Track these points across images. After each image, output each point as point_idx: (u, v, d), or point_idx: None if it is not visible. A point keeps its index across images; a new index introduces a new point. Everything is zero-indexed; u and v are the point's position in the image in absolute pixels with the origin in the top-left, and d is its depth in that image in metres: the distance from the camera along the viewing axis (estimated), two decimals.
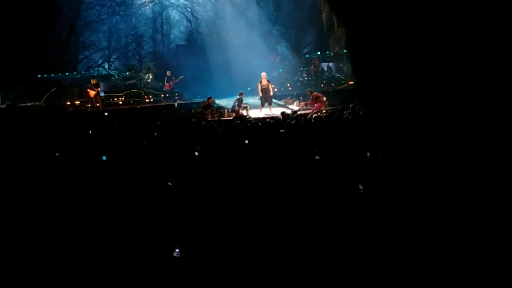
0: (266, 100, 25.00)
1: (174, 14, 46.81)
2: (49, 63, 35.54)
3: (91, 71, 39.67)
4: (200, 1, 42.60)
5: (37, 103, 30.55)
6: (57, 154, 12.63)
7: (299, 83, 34.33)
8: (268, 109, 25.07)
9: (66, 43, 41.86)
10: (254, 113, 24.04)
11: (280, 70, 35.60)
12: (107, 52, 45.02)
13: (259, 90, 25.15)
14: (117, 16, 44.60)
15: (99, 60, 44.97)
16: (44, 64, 34.65)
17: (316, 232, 6.50)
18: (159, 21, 46.61)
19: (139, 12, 45.61)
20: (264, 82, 25.06)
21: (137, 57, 45.40)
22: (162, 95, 33.82)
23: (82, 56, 44.23)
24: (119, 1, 44.81)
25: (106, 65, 43.69)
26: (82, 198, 8.32)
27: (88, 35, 43.78)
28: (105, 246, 6.57)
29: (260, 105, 25.07)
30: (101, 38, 44.61)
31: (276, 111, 24.02)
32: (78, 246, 6.58)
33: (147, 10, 46.15)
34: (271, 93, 25.35)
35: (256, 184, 8.60)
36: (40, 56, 34.16)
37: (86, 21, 43.07)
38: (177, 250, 6.22)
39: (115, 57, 45.40)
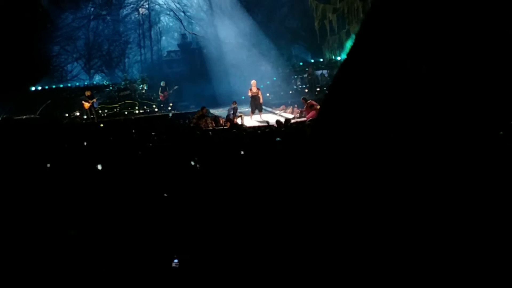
0: (256, 107, 25.69)
1: (166, 19, 45.68)
2: (37, 74, 34.68)
3: (85, 82, 38.65)
4: (194, 4, 41.79)
5: (32, 115, 30.35)
6: (48, 165, 12.59)
7: (291, 91, 34.41)
8: (258, 116, 25.66)
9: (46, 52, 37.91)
10: (248, 121, 24.19)
11: (274, 79, 35.70)
12: (84, 61, 41.43)
13: (249, 96, 25.85)
14: (100, 21, 41.36)
15: (74, 69, 40.73)
16: (33, 75, 33.99)
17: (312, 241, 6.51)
18: (146, 26, 44.50)
19: (126, 19, 43.50)
20: (254, 89, 25.70)
21: (122, 66, 43.01)
22: (155, 106, 33.81)
23: (56, 66, 39.55)
24: (101, 2, 41.22)
25: (86, 76, 41.14)
26: (76, 209, 8.30)
27: (63, 42, 39.24)
28: (100, 257, 6.55)
29: (250, 112, 25.38)
30: (79, 46, 40.65)
31: (269, 118, 24.63)
32: (72, 258, 6.57)
33: (135, 15, 43.97)
34: (261, 101, 25.94)
35: (253, 192, 8.61)
36: (31, 67, 33.41)
37: (62, 26, 38.32)
38: (175, 261, 6.19)
39: (96, 66, 42.33)
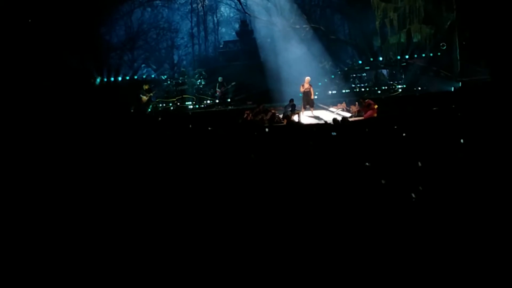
0: (308, 103, 26.53)
1: (226, 9, 43.73)
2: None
3: (144, 76, 37.99)
4: None
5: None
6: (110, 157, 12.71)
7: (346, 90, 34.43)
8: (310, 111, 26.54)
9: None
10: (306, 119, 24.22)
11: (332, 76, 35.44)
12: (119, 52, 37.47)
13: (301, 91, 26.82)
14: (146, 8, 38.32)
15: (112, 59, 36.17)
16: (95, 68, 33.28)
17: (367, 240, 6.44)
18: (201, 13, 41.95)
19: (178, 6, 40.35)
20: (306, 85, 26.67)
21: (170, 59, 40.70)
22: (212, 101, 33.83)
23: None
24: None
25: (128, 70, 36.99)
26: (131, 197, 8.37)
27: (104, 31, 35.75)
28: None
29: (302, 107, 25.75)
30: (120, 35, 37.25)
31: (321, 114, 26.19)
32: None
33: (188, 4, 40.78)
34: (312, 97, 26.86)
35: (306, 187, 8.58)
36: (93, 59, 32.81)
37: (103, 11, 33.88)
38: None
39: (141, 59, 39.01)
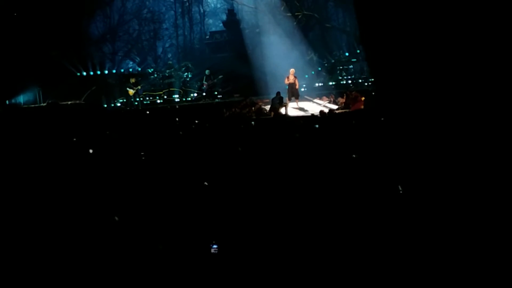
0: (293, 94, 26.56)
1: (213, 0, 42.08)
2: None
3: (130, 69, 37.59)
4: None
5: (77, 101, 30.31)
6: (91, 151, 12.67)
7: (332, 82, 34.51)
8: (295, 103, 26.64)
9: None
10: (292, 111, 24.25)
11: (319, 69, 35.34)
12: (108, 46, 37.20)
13: (286, 83, 26.76)
14: None
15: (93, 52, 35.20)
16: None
17: (354, 233, 6.42)
18: (186, 3, 40.50)
19: None
20: (291, 77, 26.60)
21: (154, 52, 39.69)
22: (199, 94, 33.63)
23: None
24: None
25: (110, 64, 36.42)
26: (117, 194, 8.33)
27: (84, 22, 34.58)
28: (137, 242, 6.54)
29: (287, 99, 26.11)
30: (100, 27, 36.50)
31: (306, 106, 26.57)
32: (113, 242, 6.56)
33: None
34: (297, 87, 26.89)
35: (293, 180, 8.55)
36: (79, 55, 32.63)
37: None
38: (214, 247, 6.06)
39: (123, 52, 38.13)
